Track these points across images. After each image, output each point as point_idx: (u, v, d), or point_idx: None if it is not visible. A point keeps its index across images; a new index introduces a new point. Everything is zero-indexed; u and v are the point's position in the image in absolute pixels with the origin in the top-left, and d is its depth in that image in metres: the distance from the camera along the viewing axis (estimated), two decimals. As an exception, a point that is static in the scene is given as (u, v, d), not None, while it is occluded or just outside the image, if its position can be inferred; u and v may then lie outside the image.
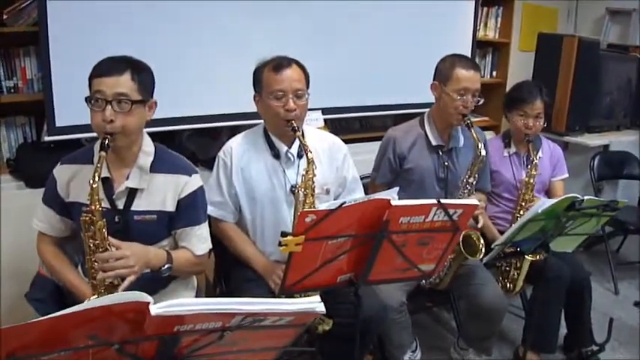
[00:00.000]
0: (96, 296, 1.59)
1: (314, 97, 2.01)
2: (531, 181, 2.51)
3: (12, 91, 2.46)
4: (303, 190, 1.90)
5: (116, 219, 1.67)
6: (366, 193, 2.22)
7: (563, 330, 2.58)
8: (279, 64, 1.93)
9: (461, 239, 2.08)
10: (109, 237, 1.58)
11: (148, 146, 1.74)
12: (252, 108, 2.05)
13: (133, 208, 1.70)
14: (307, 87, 1.98)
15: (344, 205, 1.46)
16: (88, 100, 1.60)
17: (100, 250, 1.58)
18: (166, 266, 1.71)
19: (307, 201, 1.89)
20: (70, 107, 2.28)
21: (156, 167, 1.72)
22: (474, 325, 2.34)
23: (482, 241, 2.18)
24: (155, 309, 0.98)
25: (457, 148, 2.33)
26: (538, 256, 2.34)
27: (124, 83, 1.58)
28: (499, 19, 3.98)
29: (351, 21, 3.07)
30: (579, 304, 2.52)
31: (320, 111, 2.90)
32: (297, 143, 1.99)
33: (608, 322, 2.68)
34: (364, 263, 1.60)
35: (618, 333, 2.77)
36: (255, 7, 2.73)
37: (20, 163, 2.46)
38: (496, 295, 2.23)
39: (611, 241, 3.64)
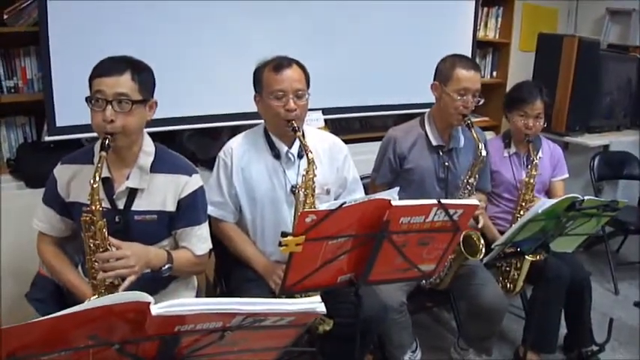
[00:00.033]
0: (96, 296, 1.59)
1: (314, 97, 2.01)
2: (531, 181, 2.51)
3: (12, 91, 2.46)
4: (303, 190, 1.90)
5: (116, 219, 1.67)
6: (367, 193, 2.22)
7: (563, 330, 2.58)
8: (280, 64, 1.93)
9: (461, 239, 2.08)
10: (110, 237, 1.58)
11: (149, 146, 1.74)
12: (253, 108, 2.05)
13: (134, 208, 1.70)
14: (308, 87, 1.98)
15: (344, 206, 1.46)
16: (88, 100, 1.60)
17: (101, 250, 1.58)
18: (167, 266, 1.71)
19: (307, 201, 1.89)
20: (71, 107, 2.28)
21: (156, 167, 1.72)
22: (474, 325, 2.34)
23: (482, 241, 2.18)
24: (156, 309, 0.98)
25: (457, 148, 2.33)
26: (538, 257, 2.34)
27: (124, 83, 1.58)
28: (499, 19, 3.98)
29: (351, 21, 3.07)
30: (579, 304, 2.52)
31: (320, 111, 2.90)
32: (297, 143, 1.99)
33: (608, 322, 2.68)
34: (364, 263, 1.60)
35: (618, 333, 2.77)
36: (255, 7, 2.73)
37: (20, 163, 2.46)
38: (496, 295, 2.23)
39: (611, 241, 3.64)
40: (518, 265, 2.45)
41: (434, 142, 2.31)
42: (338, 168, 2.11)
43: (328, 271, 1.58)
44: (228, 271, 2.13)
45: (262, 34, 2.74)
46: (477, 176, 2.27)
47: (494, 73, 4.05)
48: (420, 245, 1.64)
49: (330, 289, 1.66)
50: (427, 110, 2.39)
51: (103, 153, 1.55)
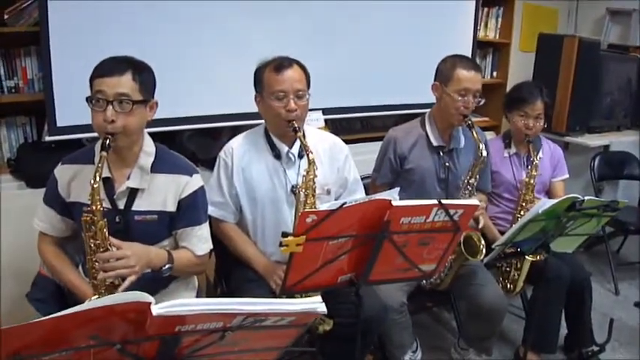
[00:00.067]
0: (97, 296, 1.59)
1: (314, 98, 2.01)
2: (532, 181, 2.51)
3: (13, 91, 2.46)
4: (304, 190, 1.90)
5: (117, 219, 1.67)
6: (367, 193, 2.22)
7: (563, 330, 2.58)
8: (280, 64, 1.93)
9: (462, 240, 2.08)
10: (110, 237, 1.59)
11: (149, 146, 1.74)
12: (253, 108, 2.05)
13: (134, 208, 1.70)
14: (308, 87, 1.98)
15: (345, 206, 1.46)
16: (89, 100, 1.60)
17: (101, 250, 1.58)
18: (167, 266, 1.71)
19: (308, 201, 1.89)
20: (71, 107, 2.28)
21: (157, 167, 1.72)
22: (475, 325, 2.34)
23: (482, 241, 2.18)
24: (157, 309, 0.98)
25: (458, 148, 2.33)
26: (538, 257, 2.34)
27: (125, 83, 1.58)
28: (499, 20, 3.98)
29: (351, 21, 3.07)
30: (580, 305, 2.52)
31: (320, 111, 2.90)
32: (297, 143, 1.99)
33: (608, 322, 2.69)
34: (365, 263, 1.60)
35: (618, 333, 2.77)
36: (255, 7, 2.74)
37: (21, 163, 2.46)
38: (496, 295, 2.23)
39: (611, 241, 3.64)
40: (519, 266, 2.45)
41: (434, 143, 2.31)
42: (338, 168, 2.11)
43: (329, 271, 1.58)
44: (229, 272, 2.13)
45: (262, 34, 2.74)
46: (477, 177, 2.27)
47: (495, 74, 4.05)
48: (421, 245, 1.64)
49: (331, 289, 1.66)
50: (427, 110, 2.39)
51: (104, 153, 1.55)
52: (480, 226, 2.20)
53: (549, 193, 2.70)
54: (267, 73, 1.94)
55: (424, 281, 2.22)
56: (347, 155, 2.15)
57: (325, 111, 2.94)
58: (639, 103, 4.15)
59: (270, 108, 1.94)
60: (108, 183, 1.67)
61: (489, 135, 3.29)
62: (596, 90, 3.83)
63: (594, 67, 3.73)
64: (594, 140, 3.85)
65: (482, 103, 2.24)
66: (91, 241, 1.58)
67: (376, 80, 3.23)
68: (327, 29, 3.00)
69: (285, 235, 1.45)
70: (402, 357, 2.24)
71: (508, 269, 2.49)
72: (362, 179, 2.24)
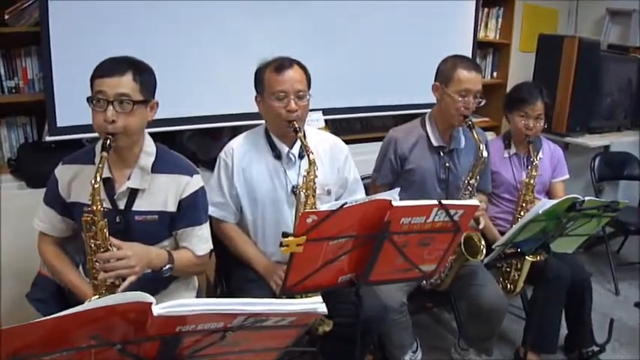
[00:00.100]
0: (97, 296, 1.59)
1: (314, 98, 2.01)
2: (532, 182, 2.51)
3: (13, 91, 2.46)
4: (304, 190, 1.90)
5: (117, 219, 1.67)
6: (367, 193, 2.22)
7: (563, 330, 2.59)
8: (281, 64, 1.93)
9: (462, 240, 2.08)
10: (110, 237, 1.59)
11: (150, 146, 1.74)
12: (253, 108, 2.05)
13: (134, 208, 1.70)
14: (309, 88, 1.98)
15: (345, 206, 1.46)
16: (89, 100, 1.60)
17: (102, 250, 1.58)
18: (167, 266, 1.71)
19: (308, 202, 1.89)
20: (72, 107, 2.28)
21: (157, 167, 1.72)
22: (475, 325, 2.34)
23: (483, 242, 2.18)
24: (157, 309, 0.98)
25: (458, 149, 2.33)
26: (539, 257, 2.34)
27: (125, 84, 1.58)
28: (500, 20, 3.98)
29: (351, 21, 3.07)
30: (580, 305, 2.52)
31: (321, 111, 2.90)
32: (298, 144, 1.99)
33: (608, 322, 2.69)
34: (365, 264, 1.60)
35: (619, 334, 2.77)
36: (255, 7, 2.73)
37: (21, 163, 2.46)
38: (496, 295, 2.23)
39: (611, 241, 3.64)
40: (519, 266, 2.45)
41: (435, 143, 2.31)
42: (339, 168, 2.11)
43: (329, 272, 1.58)
44: (229, 272, 2.13)
45: (262, 34, 2.74)
46: (478, 177, 2.27)
47: (495, 74, 4.05)
48: (421, 246, 1.64)
49: (331, 290, 1.66)
50: (428, 111, 2.39)
51: (104, 153, 1.55)
52: (481, 226, 2.20)
53: (549, 194, 2.70)
54: (268, 74, 1.94)
55: (424, 282, 2.22)
56: (347, 155, 2.15)
57: (325, 111, 2.93)
58: (639, 104, 4.15)
59: (270, 108, 1.94)
60: (108, 183, 1.67)
61: (490, 135, 3.28)
62: (597, 90, 3.83)
63: (594, 68, 3.73)
64: (594, 141, 3.85)
65: (482, 103, 2.24)
66: (92, 241, 1.58)
67: (376, 80, 3.23)
68: (327, 29, 3.00)
69: (285, 235, 1.45)
70: (402, 357, 2.24)
71: (508, 270, 2.49)
72: (362, 179, 2.24)
